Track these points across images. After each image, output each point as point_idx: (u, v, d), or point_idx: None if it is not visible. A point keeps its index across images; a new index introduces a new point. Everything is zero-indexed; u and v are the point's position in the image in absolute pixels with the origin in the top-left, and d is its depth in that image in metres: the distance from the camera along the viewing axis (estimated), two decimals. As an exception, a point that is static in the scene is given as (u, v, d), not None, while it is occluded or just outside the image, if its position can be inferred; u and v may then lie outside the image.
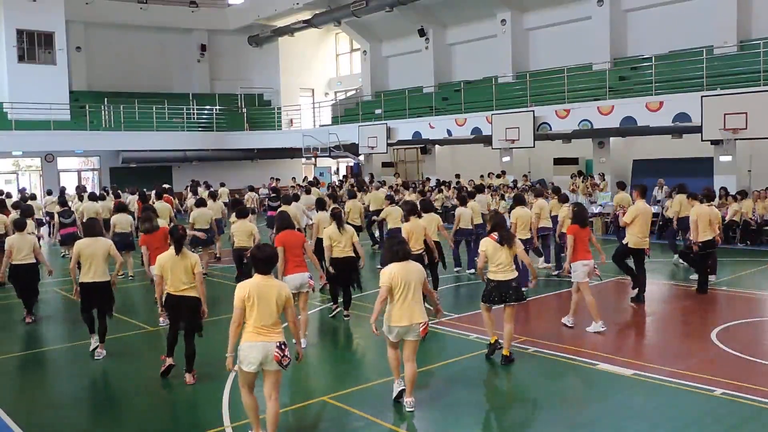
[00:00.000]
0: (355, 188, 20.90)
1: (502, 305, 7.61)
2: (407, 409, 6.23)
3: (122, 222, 13.20)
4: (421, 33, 29.69)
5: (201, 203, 13.80)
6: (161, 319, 9.23)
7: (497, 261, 7.52)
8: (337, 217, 9.55)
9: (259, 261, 5.47)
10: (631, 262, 10.66)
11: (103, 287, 8.08)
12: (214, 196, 16.15)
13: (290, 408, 6.43)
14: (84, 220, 13.98)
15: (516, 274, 7.66)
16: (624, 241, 10.62)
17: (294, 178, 30.63)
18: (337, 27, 32.82)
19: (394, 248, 6.24)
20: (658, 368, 7.20)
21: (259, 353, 5.30)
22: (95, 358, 8.20)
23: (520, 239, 10.71)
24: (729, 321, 9.17)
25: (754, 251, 15.40)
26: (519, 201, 11.81)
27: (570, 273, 8.99)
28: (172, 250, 7.16)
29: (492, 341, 7.89)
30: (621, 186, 15.18)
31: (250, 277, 5.58)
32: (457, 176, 25.44)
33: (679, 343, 8.41)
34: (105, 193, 19.64)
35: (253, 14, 33.41)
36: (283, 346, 5.33)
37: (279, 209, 12.09)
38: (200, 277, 7.18)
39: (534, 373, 7.49)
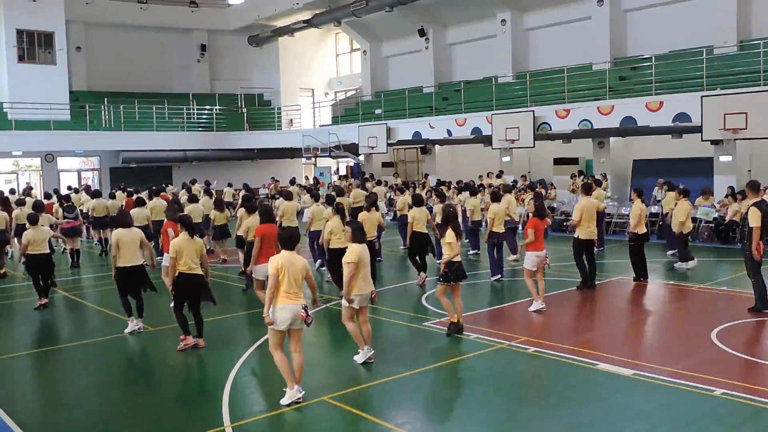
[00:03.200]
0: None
1: (452, 283, 8.65)
2: (371, 361, 7.53)
3: (140, 216, 14.25)
4: (421, 33, 29.69)
5: (193, 199, 15.42)
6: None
7: (456, 249, 8.59)
8: (341, 212, 10.74)
9: (285, 240, 6.68)
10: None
11: (138, 270, 9.19)
12: (209, 193, 18.27)
13: (290, 408, 6.43)
14: (113, 215, 16.08)
15: None
16: (575, 235, 11.48)
17: (294, 178, 30.59)
18: (337, 27, 32.81)
19: (358, 233, 7.54)
20: (658, 368, 7.20)
21: (289, 314, 6.34)
22: (138, 331, 9.22)
23: (496, 232, 12.21)
24: (729, 321, 9.16)
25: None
26: (495, 198, 12.64)
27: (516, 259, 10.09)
28: (183, 234, 8.27)
29: (455, 321, 8.70)
30: (671, 187, 15.21)
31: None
32: (464, 180, 25.04)
33: (679, 343, 8.40)
34: (117, 192, 20.59)
35: (253, 14, 33.42)
36: (306, 308, 6.42)
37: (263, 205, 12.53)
38: (205, 257, 8.49)
39: (534, 373, 7.49)
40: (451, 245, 8.52)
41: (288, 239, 6.69)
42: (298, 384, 6.48)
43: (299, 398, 6.41)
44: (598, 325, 9.65)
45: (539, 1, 25.81)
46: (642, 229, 11.96)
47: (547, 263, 10.11)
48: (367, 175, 28.16)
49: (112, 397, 7.06)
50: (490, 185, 21.83)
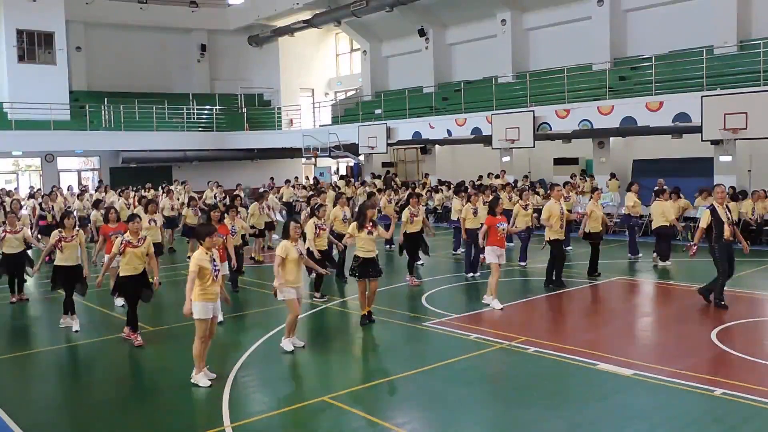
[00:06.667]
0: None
1: (367, 279, 9.17)
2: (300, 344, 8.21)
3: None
4: (421, 33, 29.69)
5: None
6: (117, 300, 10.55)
7: (361, 244, 9.12)
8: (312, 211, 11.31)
9: (201, 236, 6.96)
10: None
11: (76, 269, 9.43)
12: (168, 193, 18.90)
13: (290, 408, 6.43)
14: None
15: (376, 253, 9.25)
16: (546, 238, 11.84)
17: (297, 177, 30.62)
18: (337, 27, 32.82)
19: (288, 229, 8.02)
20: (658, 368, 7.20)
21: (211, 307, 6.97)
22: (70, 329, 9.41)
23: (471, 230, 12.40)
24: (729, 321, 9.16)
25: (754, 251, 15.35)
26: (470, 198, 13.11)
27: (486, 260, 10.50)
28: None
29: (365, 312, 9.29)
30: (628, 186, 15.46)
31: None
32: (480, 177, 24.58)
33: (679, 343, 8.39)
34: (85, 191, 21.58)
35: (253, 14, 33.42)
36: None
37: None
38: (152, 255, 8.74)
39: (534, 373, 7.49)
40: (351, 237, 9.18)
41: (204, 236, 6.98)
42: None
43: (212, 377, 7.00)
44: (598, 325, 9.64)
45: (539, 1, 25.81)
46: (597, 228, 12.52)
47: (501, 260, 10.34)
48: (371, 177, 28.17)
49: (111, 397, 7.05)
50: (490, 185, 21.82)
